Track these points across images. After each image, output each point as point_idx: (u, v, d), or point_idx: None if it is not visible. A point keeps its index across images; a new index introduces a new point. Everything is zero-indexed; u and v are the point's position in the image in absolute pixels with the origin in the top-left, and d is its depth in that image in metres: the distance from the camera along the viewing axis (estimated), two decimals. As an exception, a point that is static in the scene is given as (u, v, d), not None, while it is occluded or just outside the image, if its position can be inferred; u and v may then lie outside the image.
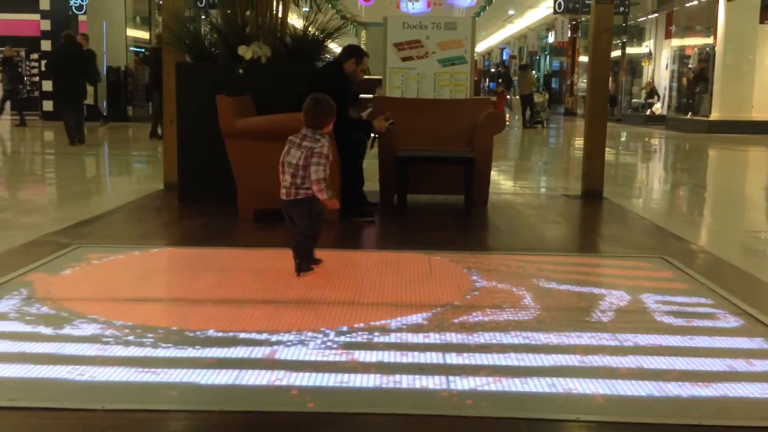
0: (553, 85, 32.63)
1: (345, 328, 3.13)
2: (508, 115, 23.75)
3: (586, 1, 19.46)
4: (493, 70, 44.78)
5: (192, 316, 3.27)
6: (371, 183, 6.35)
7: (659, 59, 24.18)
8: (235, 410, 2.38)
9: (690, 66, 21.39)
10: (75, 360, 2.73)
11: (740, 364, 2.80)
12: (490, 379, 2.61)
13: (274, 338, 2.99)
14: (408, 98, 7.31)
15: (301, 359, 2.77)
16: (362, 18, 13.99)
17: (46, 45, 18.43)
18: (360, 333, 3.08)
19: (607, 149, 7.37)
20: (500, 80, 24.91)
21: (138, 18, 21.10)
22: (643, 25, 25.65)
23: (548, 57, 36.05)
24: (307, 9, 6.79)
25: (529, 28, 35.03)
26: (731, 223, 6.94)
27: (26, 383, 2.54)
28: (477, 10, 23.55)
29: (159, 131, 12.94)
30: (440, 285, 3.88)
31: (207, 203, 6.05)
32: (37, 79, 20.03)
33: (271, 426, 2.32)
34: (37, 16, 18.82)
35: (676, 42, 22.98)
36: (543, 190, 8.82)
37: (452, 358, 2.79)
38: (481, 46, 46.89)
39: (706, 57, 20.05)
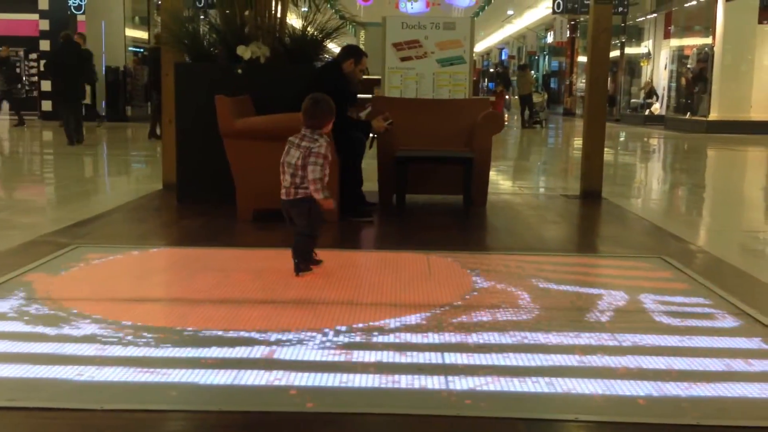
0: (552, 85, 32.64)
1: (344, 328, 3.13)
2: (506, 115, 23.75)
3: (585, 1, 19.48)
4: (492, 70, 44.78)
5: (191, 316, 3.27)
6: (370, 183, 6.35)
7: (658, 59, 24.19)
8: (234, 410, 2.38)
9: (689, 66, 21.42)
10: (74, 360, 2.73)
11: (739, 364, 2.80)
12: (489, 379, 2.61)
13: (273, 338, 2.99)
14: (407, 98, 7.30)
15: (300, 359, 2.78)
16: (361, 18, 14.00)
17: (44, 45, 18.42)
18: (359, 333, 3.08)
19: (605, 149, 7.37)
20: (498, 80, 24.89)
21: (137, 18, 21.11)
22: (641, 26, 25.67)
23: (547, 57, 36.07)
24: (306, 9, 6.78)
25: (528, 28, 35.04)
26: (730, 223, 6.94)
27: (25, 383, 2.54)
28: (476, 10, 23.58)
29: (158, 131, 12.94)
30: (439, 285, 3.88)
31: (206, 203, 6.05)
32: (35, 79, 20.01)
33: (270, 426, 2.32)
34: (35, 16, 18.82)
35: (674, 42, 22.99)
36: (542, 190, 8.83)
37: (451, 358, 2.80)
38: (480, 46, 46.91)
39: (705, 57, 20.07)
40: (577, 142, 13.50)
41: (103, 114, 17.99)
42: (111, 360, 2.74)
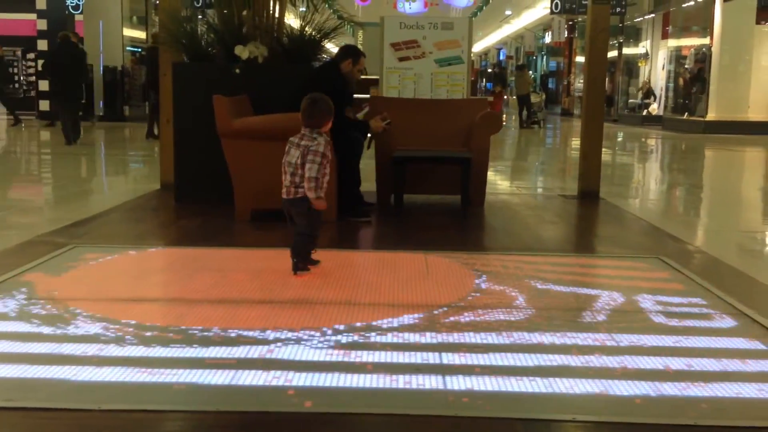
0: (550, 86, 32.66)
1: (342, 328, 3.13)
2: (504, 116, 23.77)
3: (583, 2, 19.48)
4: (490, 70, 44.80)
5: (189, 316, 3.26)
6: (368, 183, 6.35)
7: (656, 60, 24.21)
8: (232, 410, 2.38)
9: (686, 66, 21.44)
10: (71, 360, 2.73)
11: (736, 365, 2.80)
12: (487, 379, 2.61)
13: (271, 338, 2.99)
14: (405, 98, 7.30)
15: (298, 359, 2.78)
16: (359, 18, 13.98)
17: (42, 45, 18.40)
18: (357, 333, 3.08)
19: (603, 149, 7.37)
20: (496, 80, 24.90)
21: (134, 18, 21.08)
22: (639, 26, 25.68)
23: (545, 57, 36.08)
24: (304, 9, 6.78)
25: (526, 28, 35.04)
26: (727, 223, 6.95)
27: (23, 383, 2.54)
28: (474, 11, 23.58)
29: (155, 131, 12.93)
30: (437, 285, 3.89)
31: (204, 203, 6.04)
32: (33, 78, 19.99)
33: (268, 426, 2.32)
34: (33, 16, 18.79)
35: (672, 42, 23.02)
36: (540, 190, 8.83)
37: (449, 358, 2.80)
38: (478, 47, 46.92)
39: (703, 57, 20.10)
40: (575, 143, 13.52)
41: (101, 114, 17.96)
42: (109, 360, 2.74)
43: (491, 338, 3.04)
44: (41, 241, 4.77)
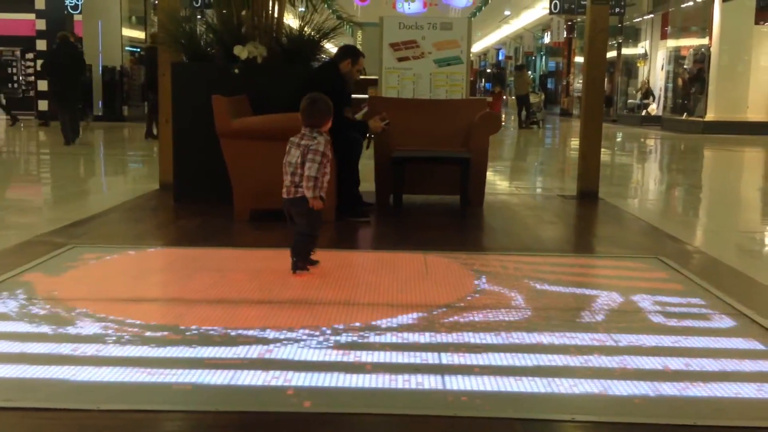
0: (549, 86, 32.67)
1: (341, 328, 3.13)
2: (503, 116, 23.78)
3: (582, 2, 19.48)
4: (489, 70, 44.81)
5: (188, 316, 3.26)
6: (367, 183, 6.35)
7: (655, 60, 24.22)
8: (231, 410, 2.38)
9: (685, 67, 21.44)
10: (70, 360, 2.73)
11: (735, 365, 2.80)
12: (486, 379, 2.61)
13: (270, 338, 2.99)
14: (404, 98, 7.30)
15: (297, 359, 2.78)
16: (358, 18, 14.00)
17: (41, 45, 18.40)
18: (356, 333, 3.08)
19: (602, 150, 7.38)
20: (494, 80, 24.91)
21: (133, 17, 21.08)
22: (638, 26, 25.69)
23: (544, 57, 36.09)
24: (303, 9, 6.78)
25: (525, 28, 35.05)
26: (726, 223, 6.95)
27: (22, 383, 2.54)
28: (473, 11, 23.59)
29: (154, 131, 12.93)
30: (436, 285, 3.89)
31: (203, 203, 6.04)
32: (32, 78, 19.98)
33: (267, 426, 2.32)
34: (32, 16, 18.78)
35: (671, 43, 23.03)
36: (539, 190, 8.83)
37: (448, 358, 2.80)
38: (477, 47, 46.93)
39: (702, 58, 20.10)
40: (574, 143, 13.52)
41: (100, 113, 17.94)
42: (108, 360, 2.74)
43: (490, 338, 3.04)
44: (40, 241, 4.77)
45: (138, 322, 3.17)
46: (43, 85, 17.09)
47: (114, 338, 2.97)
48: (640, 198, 8.56)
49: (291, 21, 8.07)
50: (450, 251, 4.60)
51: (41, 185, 8.72)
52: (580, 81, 19.34)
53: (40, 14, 18.55)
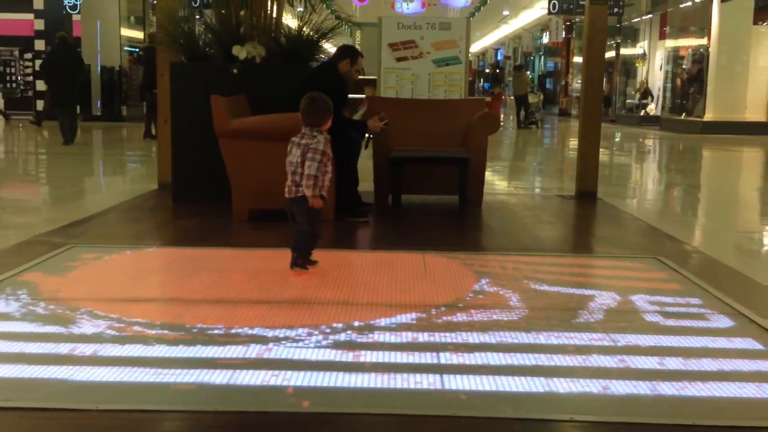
0: (548, 86, 32.69)
1: (340, 327, 3.13)
2: (502, 116, 23.78)
3: (581, 2, 19.49)
4: (488, 70, 44.81)
5: (187, 316, 3.26)
6: (365, 183, 6.35)
7: (653, 60, 24.23)
8: (230, 410, 2.38)
9: (684, 67, 21.45)
10: (69, 360, 2.72)
11: (734, 364, 2.81)
12: (485, 378, 2.61)
13: (269, 338, 2.99)
14: (402, 98, 7.31)
15: (296, 359, 2.78)
16: (357, 18, 14.02)
17: (39, 45, 18.39)
18: (355, 333, 3.08)
19: (601, 150, 7.38)
20: (493, 81, 24.94)
21: (132, 17, 21.07)
22: (637, 26, 25.70)
23: (543, 57, 36.10)
24: (302, 9, 6.78)
25: (524, 28, 35.06)
26: (725, 223, 6.96)
27: (20, 383, 2.54)
28: (472, 11, 23.59)
29: (153, 131, 12.92)
30: (435, 285, 3.89)
31: (201, 203, 6.04)
32: (30, 78, 19.98)
33: (266, 426, 2.32)
34: (30, 16, 18.78)
35: (670, 43, 23.03)
36: (537, 190, 8.84)
37: (446, 358, 2.80)
38: (475, 47, 46.91)
39: (700, 58, 20.11)
40: (573, 143, 13.53)
41: (99, 113, 17.93)
42: (106, 360, 2.74)
43: (489, 338, 3.04)
44: (39, 241, 4.77)
45: (136, 321, 3.16)
46: (41, 85, 17.08)
47: (112, 338, 2.96)
48: (638, 198, 8.56)
49: (290, 21, 8.07)
50: (449, 251, 4.60)
51: (39, 185, 8.71)
52: (579, 81, 19.37)
53: (38, 14, 18.56)
